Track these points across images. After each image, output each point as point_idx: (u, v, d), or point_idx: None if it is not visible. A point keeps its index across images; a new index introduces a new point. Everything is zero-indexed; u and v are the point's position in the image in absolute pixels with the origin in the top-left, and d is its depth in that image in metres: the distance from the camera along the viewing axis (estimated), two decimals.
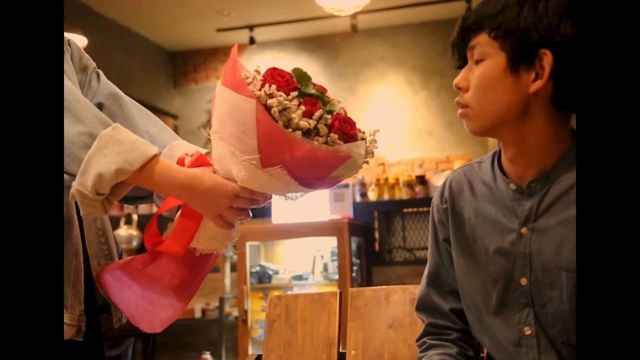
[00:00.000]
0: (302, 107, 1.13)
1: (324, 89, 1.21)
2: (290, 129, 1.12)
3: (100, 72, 1.44)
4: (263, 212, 5.27)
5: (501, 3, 1.17)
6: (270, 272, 4.90)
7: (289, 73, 1.16)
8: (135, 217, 5.33)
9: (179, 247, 1.22)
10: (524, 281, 1.20)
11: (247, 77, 1.15)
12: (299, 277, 4.88)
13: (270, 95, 1.12)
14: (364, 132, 1.21)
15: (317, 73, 6.91)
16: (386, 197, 5.35)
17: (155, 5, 6.19)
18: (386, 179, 5.42)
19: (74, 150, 1.11)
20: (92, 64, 1.43)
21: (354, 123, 1.19)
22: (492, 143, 5.14)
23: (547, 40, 1.13)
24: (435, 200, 1.36)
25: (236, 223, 1.26)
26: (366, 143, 1.20)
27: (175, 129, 7.25)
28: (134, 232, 5.30)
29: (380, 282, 4.89)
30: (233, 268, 5.13)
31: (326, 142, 1.14)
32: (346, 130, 1.16)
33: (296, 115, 1.12)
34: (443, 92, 6.57)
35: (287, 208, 4.96)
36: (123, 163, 1.11)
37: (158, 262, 1.26)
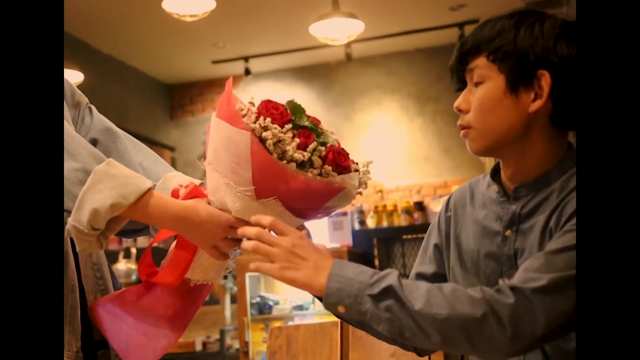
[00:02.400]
0: (297, 140, 1.14)
1: (318, 120, 1.22)
2: (284, 161, 1.13)
3: (93, 107, 1.45)
4: None
5: (497, 27, 1.20)
6: (271, 303, 4.87)
7: (283, 105, 1.18)
8: (133, 250, 5.31)
9: (174, 278, 1.23)
10: None
11: (242, 110, 1.17)
12: (300, 307, 4.85)
13: (265, 128, 1.13)
14: (357, 163, 1.22)
15: (313, 102, 6.93)
16: (385, 224, 5.34)
17: (150, 39, 6.23)
18: (384, 206, 5.42)
19: (68, 187, 1.12)
20: (85, 99, 1.44)
21: (347, 154, 1.20)
22: (489, 167, 5.13)
23: (544, 61, 1.17)
24: (442, 208, 1.40)
25: (231, 254, 1.26)
26: (359, 174, 1.21)
27: (173, 161, 7.25)
28: (132, 265, 5.27)
29: None
30: (233, 299, 5.10)
31: (320, 174, 1.15)
32: (340, 162, 1.17)
33: (290, 148, 1.13)
34: (439, 117, 6.58)
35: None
36: (118, 198, 1.12)
37: (152, 293, 1.26)
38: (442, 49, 6.57)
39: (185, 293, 1.27)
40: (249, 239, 1.14)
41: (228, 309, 5.20)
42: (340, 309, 1.10)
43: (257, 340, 4.81)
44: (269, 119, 1.13)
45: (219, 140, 1.18)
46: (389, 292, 1.08)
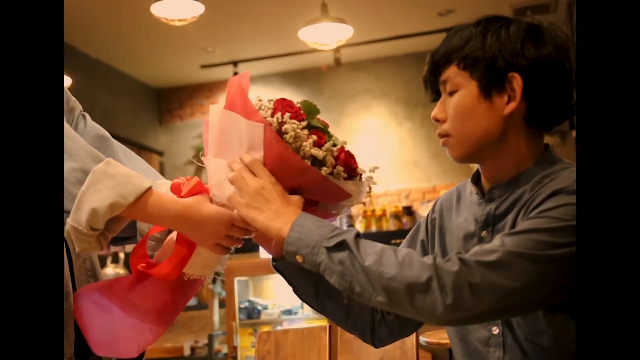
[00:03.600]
0: (313, 137, 1.16)
1: (327, 124, 1.24)
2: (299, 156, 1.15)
3: (87, 114, 1.45)
4: (251, 247, 5.24)
5: (465, 35, 1.23)
6: (260, 308, 4.84)
7: (297, 105, 1.20)
8: (122, 255, 5.28)
9: (172, 273, 1.22)
10: None
11: (257, 104, 1.18)
12: (289, 312, 4.82)
13: (282, 123, 1.15)
14: (363, 170, 1.24)
15: None
16: (373, 228, 5.34)
17: (139, 44, 6.20)
18: (373, 211, 5.42)
19: (67, 187, 1.11)
20: (79, 106, 1.44)
21: (355, 158, 1.23)
22: None
23: (513, 65, 1.19)
24: (429, 209, 1.42)
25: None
26: (364, 180, 1.24)
27: (162, 166, 7.22)
28: (121, 270, 5.24)
29: None
30: (222, 304, 5.07)
31: (332, 174, 1.17)
32: (351, 163, 1.20)
33: (307, 144, 1.15)
34: (427, 122, 6.58)
35: None
36: (117, 197, 1.11)
37: (144, 285, 1.25)
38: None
39: (178, 287, 1.27)
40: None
41: (216, 313, 5.16)
42: (299, 259, 1.13)
43: (246, 345, 4.77)
44: (287, 114, 1.15)
45: (230, 133, 1.19)
46: (343, 245, 1.11)
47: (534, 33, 1.22)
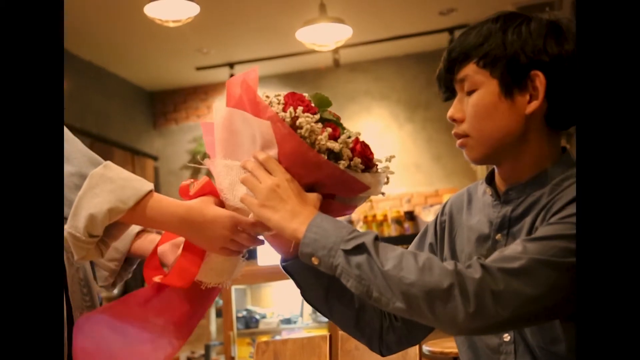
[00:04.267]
0: (328, 129, 1.14)
1: (338, 116, 1.21)
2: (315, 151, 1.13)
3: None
4: (249, 254, 5.13)
5: (484, 32, 1.20)
6: (258, 317, 4.81)
7: (307, 99, 1.18)
8: None
9: (185, 281, 1.18)
10: None
11: (266, 100, 1.16)
12: (288, 321, 4.80)
13: (296, 118, 1.13)
14: (379, 160, 1.22)
15: None
16: None
17: (132, 46, 6.14)
18: (374, 216, 5.34)
19: (64, 192, 1.08)
20: None
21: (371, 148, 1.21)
22: (481, 174, 5.05)
23: (536, 62, 1.17)
24: (438, 211, 1.40)
25: (243, 253, 1.23)
26: (381, 170, 1.22)
27: (156, 171, 7.14)
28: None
29: None
30: (219, 313, 5.03)
31: (349, 167, 1.15)
32: (367, 154, 1.18)
33: (323, 137, 1.13)
34: (429, 124, 6.52)
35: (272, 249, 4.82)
36: (115, 202, 1.07)
37: (161, 297, 1.22)
38: (431, 55, 6.49)
39: (195, 296, 1.23)
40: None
41: (213, 323, 5.10)
42: (314, 261, 1.11)
43: (244, 355, 4.73)
44: (300, 108, 1.13)
45: (241, 132, 1.17)
46: (361, 249, 1.08)
47: (554, 29, 1.19)
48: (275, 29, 5.89)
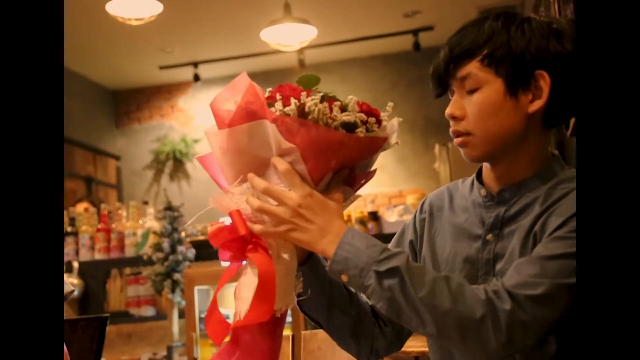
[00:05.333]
0: (337, 102, 1.10)
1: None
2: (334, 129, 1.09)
3: None
4: (212, 255, 5.09)
5: (486, 30, 1.19)
6: None
7: (295, 86, 1.14)
8: (75, 264, 5.08)
9: (266, 309, 1.11)
10: None
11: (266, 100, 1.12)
12: None
13: (302, 106, 1.08)
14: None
15: None
16: None
17: (94, 44, 6.04)
18: None
19: None
20: None
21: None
22: (444, 177, 5.09)
23: (540, 61, 1.17)
24: (417, 210, 1.40)
25: (298, 274, 1.18)
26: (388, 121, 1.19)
27: (118, 170, 7.04)
28: (74, 280, 5.04)
29: None
30: (181, 314, 4.95)
31: (367, 130, 1.11)
32: (373, 110, 1.14)
33: (336, 113, 1.08)
34: None
35: None
36: None
37: (242, 346, 1.15)
38: (396, 56, 6.53)
39: (273, 329, 1.16)
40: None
41: (176, 324, 5.02)
42: (344, 278, 1.09)
43: (207, 356, 4.68)
44: (303, 94, 1.09)
45: (248, 150, 1.11)
46: (395, 272, 1.07)
47: (555, 28, 1.19)
48: (239, 29, 5.85)
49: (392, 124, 1.18)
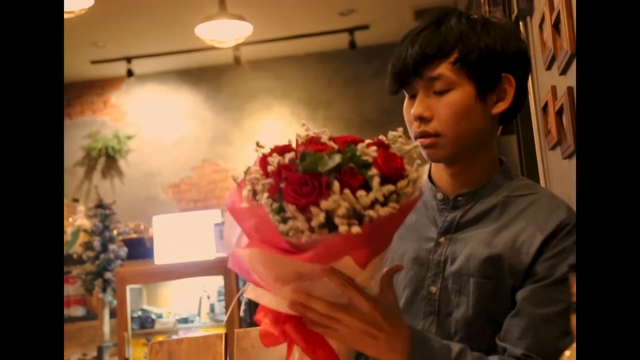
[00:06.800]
0: (362, 192, 0.90)
1: (339, 138, 1.00)
2: (371, 213, 0.91)
3: None
4: (145, 253, 5.02)
5: (455, 30, 1.17)
6: (154, 316, 4.70)
7: (302, 174, 0.91)
8: None
9: None
10: (433, 289, 1.22)
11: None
12: (185, 320, 4.71)
13: (345, 198, 0.89)
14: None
15: (200, 106, 6.74)
16: None
17: None
18: None
19: None
20: None
21: (388, 150, 0.98)
22: None
23: (505, 63, 1.19)
24: None
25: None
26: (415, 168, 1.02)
27: None
28: None
29: None
30: (113, 314, 4.87)
31: (397, 195, 0.94)
32: (397, 165, 0.95)
33: (361, 196, 0.90)
34: (330, 123, 6.55)
35: (170, 247, 4.74)
36: None
37: None
38: (332, 54, 6.55)
39: None
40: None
41: (107, 324, 4.94)
42: None
43: (138, 356, 4.62)
44: (336, 185, 0.89)
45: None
46: None
47: (511, 30, 1.21)
48: (174, 24, 5.76)
49: (420, 168, 1.00)
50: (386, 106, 6.12)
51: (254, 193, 0.96)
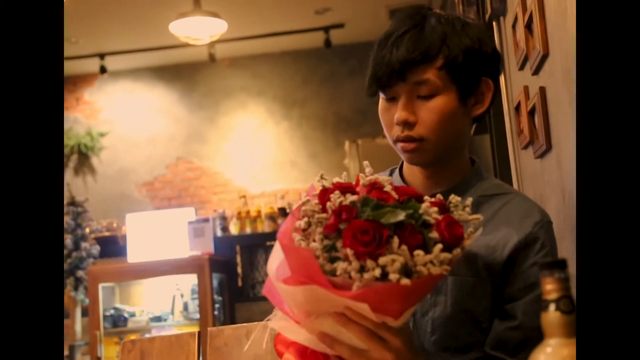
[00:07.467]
0: (420, 253, 0.92)
1: (401, 191, 1.00)
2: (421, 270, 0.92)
3: None
4: (118, 251, 4.98)
5: (438, 33, 1.16)
6: (126, 315, 4.67)
7: (365, 221, 0.92)
8: None
9: None
10: None
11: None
12: (158, 319, 4.69)
13: (413, 263, 0.92)
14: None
15: (175, 104, 6.70)
16: (248, 230, 5.25)
17: None
18: (248, 212, 5.31)
19: None
20: None
21: (448, 210, 1.01)
22: (354, 173, 5.15)
23: (484, 67, 1.20)
24: None
25: None
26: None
27: None
28: None
29: (244, 319, 4.75)
30: (84, 313, 4.82)
31: (450, 262, 0.95)
32: (457, 233, 0.96)
33: (419, 257, 0.92)
34: (305, 122, 6.55)
35: (143, 245, 4.70)
36: None
37: None
38: (307, 53, 6.55)
39: None
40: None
41: (79, 322, 4.89)
42: None
43: (111, 355, 4.59)
44: (402, 255, 0.91)
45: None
46: None
47: (485, 31, 1.22)
48: (148, 20, 5.71)
49: (475, 232, 1.02)
50: (362, 105, 6.14)
51: (308, 224, 0.97)
